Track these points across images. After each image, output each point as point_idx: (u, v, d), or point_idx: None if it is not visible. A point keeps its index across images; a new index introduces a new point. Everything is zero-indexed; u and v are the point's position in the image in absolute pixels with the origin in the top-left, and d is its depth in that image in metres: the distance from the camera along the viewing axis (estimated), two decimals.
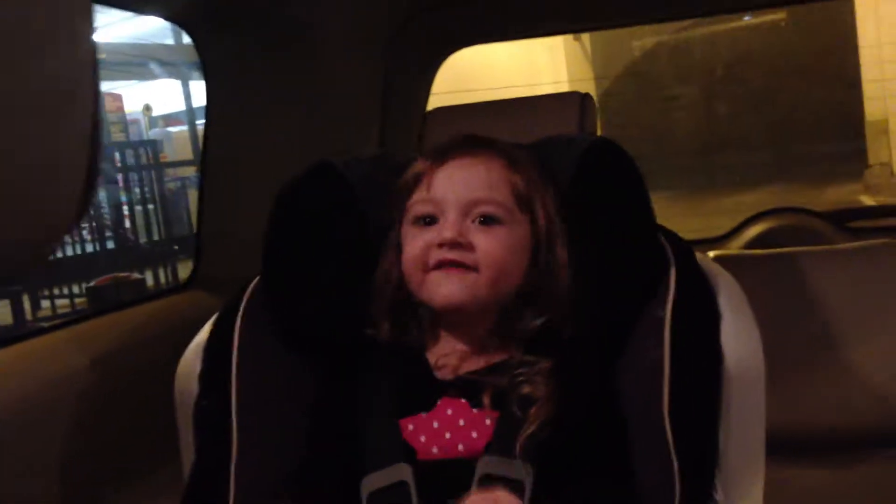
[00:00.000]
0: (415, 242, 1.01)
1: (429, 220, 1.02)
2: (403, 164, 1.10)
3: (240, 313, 1.08)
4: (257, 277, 1.11)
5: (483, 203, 1.01)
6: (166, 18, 1.59)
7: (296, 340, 1.08)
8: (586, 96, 1.35)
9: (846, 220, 2.12)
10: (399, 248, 1.05)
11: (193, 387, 1.07)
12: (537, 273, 1.03)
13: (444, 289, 0.98)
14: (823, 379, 1.47)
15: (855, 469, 1.47)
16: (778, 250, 1.59)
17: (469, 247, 0.99)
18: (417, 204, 1.04)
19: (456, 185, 1.02)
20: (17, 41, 0.35)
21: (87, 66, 0.41)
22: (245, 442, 1.02)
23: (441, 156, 1.05)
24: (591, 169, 1.06)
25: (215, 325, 1.10)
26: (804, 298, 1.48)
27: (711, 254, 1.55)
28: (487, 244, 0.99)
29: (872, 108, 8.67)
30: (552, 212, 1.05)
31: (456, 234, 0.98)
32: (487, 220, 1.00)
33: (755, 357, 0.99)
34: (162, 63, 9.76)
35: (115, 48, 9.75)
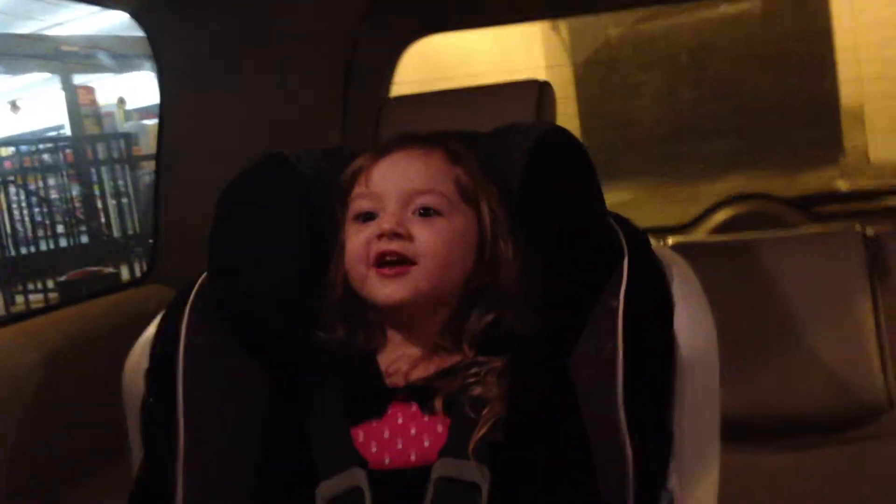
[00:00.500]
0: (356, 238, 1.00)
1: (369, 216, 1.00)
2: (357, 155, 1.09)
3: (187, 308, 1.05)
4: (204, 274, 1.08)
5: (422, 194, 0.99)
6: (116, 8, 1.56)
7: (244, 338, 1.05)
8: (544, 84, 1.34)
9: (812, 205, 2.12)
10: (343, 248, 1.03)
11: (141, 383, 1.05)
12: (483, 267, 1.02)
13: (386, 288, 0.97)
14: (781, 364, 1.47)
15: (812, 453, 1.47)
16: (736, 236, 1.59)
17: (409, 237, 0.97)
18: (357, 200, 1.02)
19: (395, 177, 1.01)
20: None
21: None
22: (192, 440, 0.99)
23: (381, 150, 1.04)
24: (542, 158, 1.04)
25: (162, 320, 1.07)
26: (763, 284, 1.48)
27: (671, 240, 1.55)
28: (427, 236, 0.98)
29: (847, 93, 8.72)
30: (496, 205, 1.04)
31: (394, 224, 0.97)
32: (428, 212, 0.99)
33: (709, 344, 0.99)
34: (136, 56, 9.67)
35: (88, 41, 9.66)
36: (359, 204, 1.02)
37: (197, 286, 1.07)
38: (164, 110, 1.65)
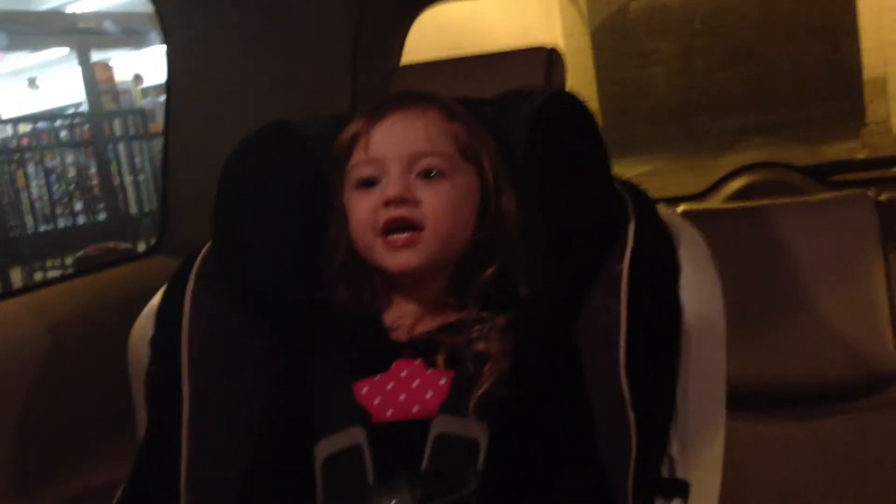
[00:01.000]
0: (360, 206, 1.00)
1: (371, 182, 1.00)
2: None
3: (192, 277, 1.06)
4: (209, 242, 1.08)
5: (425, 156, 0.99)
6: None
7: (248, 302, 1.06)
8: (552, 51, 1.33)
9: (828, 173, 2.09)
10: (344, 215, 1.02)
11: (146, 352, 1.05)
12: (487, 222, 1.02)
13: (396, 258, 0.97)
14: (791, 332, 1.45)
15: (822, 422, 1.46)
16: (747, 203, 1.58)
17: (415, 202, 0.97)
18: (357, 167, 1.02)
19: (395, 140, 1.00)
20: None
21: None
22: (196, 407, 1.00)
23: (376, 114, 1.03)
24: (546, 121, 1.03)
25: (167, 289, 1.08)
26: (773, 251, 1.47)
27: (680, 208, 1.53)
28: (434, 199, 0.97)
29: (871, 62, 8.58)
30: (497, 161, 1.03)
31: (401, 190, 0.97)
32: (431, 174, 0.98)
33: (715, 311, 0.98)
34: (153, 32, 9.67)
35: (106, 17, 9.67)
36: (360, 171, 1.01)
37: (202, 254, 1.08)
38: (172, 84, 1.64)
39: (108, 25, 9.83)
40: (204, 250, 1.08)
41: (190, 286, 1.05)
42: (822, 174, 2.06)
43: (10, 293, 1.35)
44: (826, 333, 1.43)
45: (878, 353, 1.42)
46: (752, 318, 1.40)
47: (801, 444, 1.44)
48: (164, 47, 1.57)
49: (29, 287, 1.45)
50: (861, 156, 7.57)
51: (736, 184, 2.02)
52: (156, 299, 1.09)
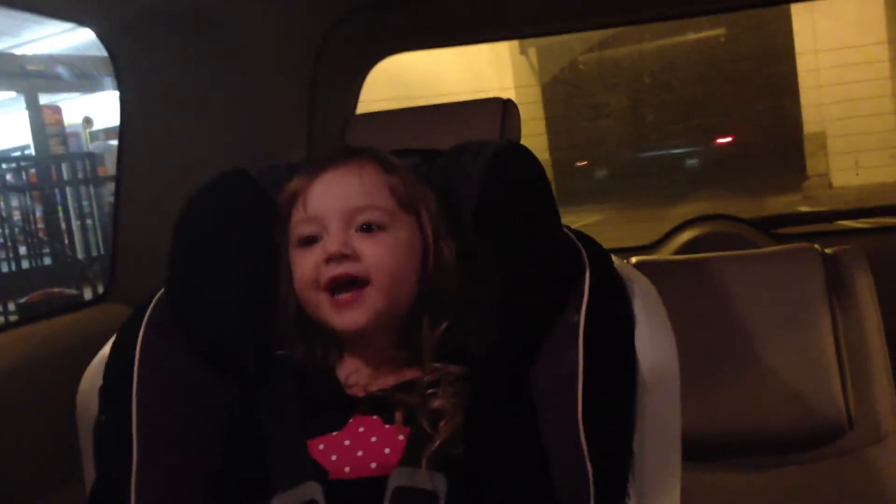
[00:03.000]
0: (303, 263, 1.00)
1: (312, 240, 1.00)
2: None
3: (143, 325, 1.03)
4: (162, 290, 1.07)
5: (363, 210, 0.99)
6: (77, 23, 1.54)
7: (201, 354, 1.04)
8: (508, 102, 1.35)
9: (774, 226, 2.14)
10: (290, 273, 1.02)
11: (95, 402, 1.03)
12: (429, 274, 1.02)
13: (344, 317, 0.97)
14: (742, 383, 1.47)
15: (772, 473, 1.47)
16: (697, 255, 1.60)
17: (356, 257, 0.97)
18: (298, 225, 1.02)
19: (333, 197, 1.00)
20: None
21: None
22: (146, 458, 0.97)
23: (313, 171, 1.03)
24: (498, 172, 1.04)
25: (118, 337, 1.06)
26: (724, 302, 1.49)
27: (633, 259, 1.55)
28: (374, 251, 0.98)
29: (810, 118, 8.86)
30: (436, 212, 1.04)
31: (341, 245, 0.97)
32: (371, 228, 0.99)
33: (670, 362, 0.99)
34: (103, 76, 9.60)
35: (55, 60, 9.57)
36: (300, 229, 1.01)
37: (154, 302, 1.06)
38: (125, 128, 1.63)
39: (58, 69, 9.73)
40: (156, 298, 1.06)
41: (141, 335, 1.03)
42: (768, 227, 2.11)
43: None
44: (776, 384, 1.45)
45: (828, 404, 1.44)
46: (703, 369, 1.42)
47: (753, 494, 1.45)
48: (114, 92, 1.56)
49: None
50: (803, 207, 7.77)
51: (685, 236, 2.05)
52: (105, 349, 1.07)
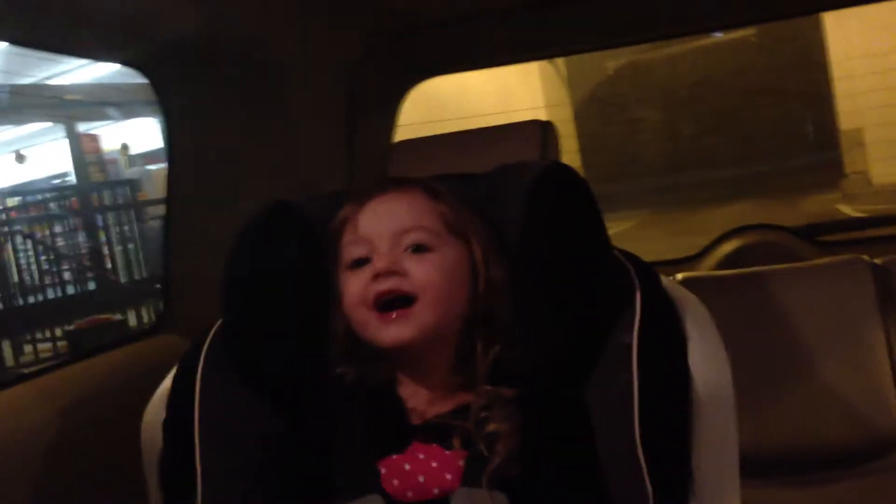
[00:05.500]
0: (353, 284, 1.01)
1: (363, 262, 1.01)
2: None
3: (202, 358, 1.06)
4: (219, 321, 1.09)
5: (412, 231, 1.01)
6: (124, 64, 1.58)
7: (259, 385, 1.06)
8: (547, 124, 1.36)
9: (817, 234, 2.12)
10: (339, 297, 1.04)
11: (159, 436, 1.06)
12: (479, 298, 1.03)
13: (390, 331, 0.98)
14: (795, 399, 1.46)
15: (830, 487, 1.46)
16: (744, 270, 1.59)
17: (404, 274, 0.98)
18: (348, 247, 1.04)
19: (382, 219, 1.02)
20: None
21: None
22: (210, 490, 1.00)
23: (363, 198, 1.05)
24: (543, 194, 1.05)
25: (177, 372, 1.08)
26: (772, 318, 1.48)
27: (679, 276, 1.55)
28: (422, 270, 0.99)
29: (848, 119, 8.74)
30: (485, 236, 1.05)
31: (389, 263, 0.98)
32: (419, 249, 1.00)
33: (724, 379, 0.98)
34: (139, 102, 9.76)
35: (91, 89, 9.75)
36: (350, 251, 1.03)
37: (210, 336, 1.08)
38: (172, 159, 1.67)
39: (94, 97, 9.91)
40: (212, 332, 1.09)
41: (200, 368, 1.06)
42: (812, 235, 2.09)
43: (16, 379, 1.34)
44: (829, 399, 1.44)
45: (882, 417, 1.42)
46: (753, 386, 1.41)
47: None
48: (148, 118, 1.60)
49: (35, 372, 1.45)
50: (842, 206, 7.66)
51: (727, 247, 2.04)
52: (167, 382, 1.10)
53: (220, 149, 1.67)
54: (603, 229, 1.03)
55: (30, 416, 1.22)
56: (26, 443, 1.19)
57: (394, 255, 0.99)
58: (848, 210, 7.61)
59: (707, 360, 0.98)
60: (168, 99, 1.63)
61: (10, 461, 1.16)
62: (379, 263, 0.99)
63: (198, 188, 1.67)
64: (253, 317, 1.08)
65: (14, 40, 1.54)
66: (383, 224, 1.02)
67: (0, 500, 1.13)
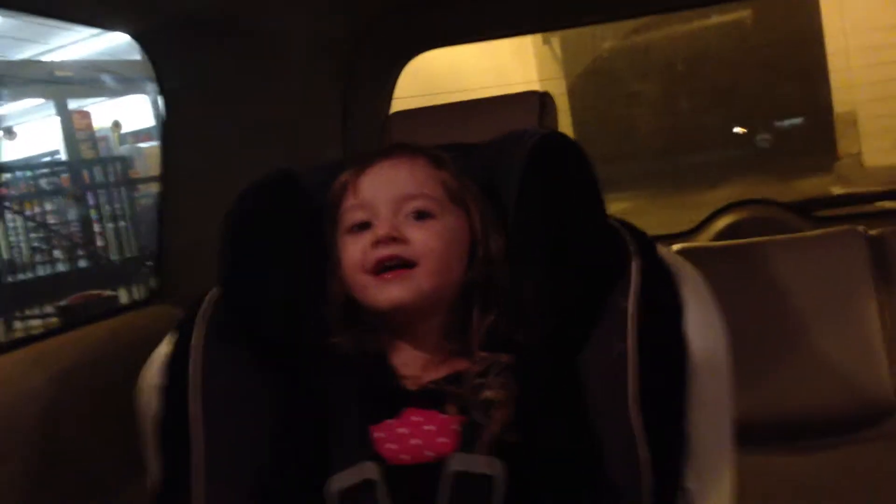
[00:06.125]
0: (352, 249, 1.01)
1: (363, 226, 1.01)
2: None
3: (197, 325, 1.06)
4: (213, 288, 1.09)
5: (413, 198, 1.01)
6: (121, 31, 1.57)
7: (255, 349, 1.07)
8: (545, 94, 1.35)
9: (813, 209, 2.13)
10: (339, 262, 1.04)
11: (155, 401, 1.06)
12: (477, 265, 1.03)
13: (387, 292, 0.98)
14: (790, 367, 1.47)
15: (823, 454, 1.48)
16: (741, 241, 1.60)
17: (405, 241, 0.99)
18: (348, 212, 1.04)
19: (383, 185, 1.02)
20: None
21: None
22: (207, 453, 1.00)
23: (364, 162, 1.05)
24: (540, 162, 1.05)
25: (173, 338, 1.08)
26: (768, 288, 1.49)
27: (675, 247, 1.55)
28: (423, 237, 0.99)
29: (840, 98, 8.75)
30: (484, 206, 1.06)
31: (390, 229, 0.99)
32: (420, 215, 1.01)
33: (720, 346, 0.99)
34: (130, 79, 9.70)
35: (82, 66, 9.68)
36: (351, 216, 1.03)
37: (206, 302, 1.08)
38: (167, 131, 1.66)
39: (85, 74, 9.84)
40: (209, 297, 1.09)
41: (196, 333, 1.06)
42: (807, 210, 2.10)
43: (10, 345, 1.34)
44: (823, 368, 1.45)
45: (876, 384, 1.44)
46: (749, 354, 1.42)
47: (804, 477, 1.45)
48: (140, 95, 1.59)
49: (29, 338, 1.44)
50: (836, 189, 7.68)
51: (723, 221, 2.04)
52: (162, 347, 1.10)
53: (216, 121, 1.66)
54: (599, 197, 1.03)
55: (25, 382, 1.22)
56: (21, 409, 1.19)
57: (395, 221, 1.00)
58: (839, 192, 7.64)
59: (703, 327, 0.99)
60: (164, 70, 1.62)
61: (4, 427, 1.15)
62: (380, 229, 0.99)
63: (193, 160, 1.67)
64: (250, 279, 1.08)
65: (13, 5, 1.53)
66: (385, 189, 1.02)
67: None
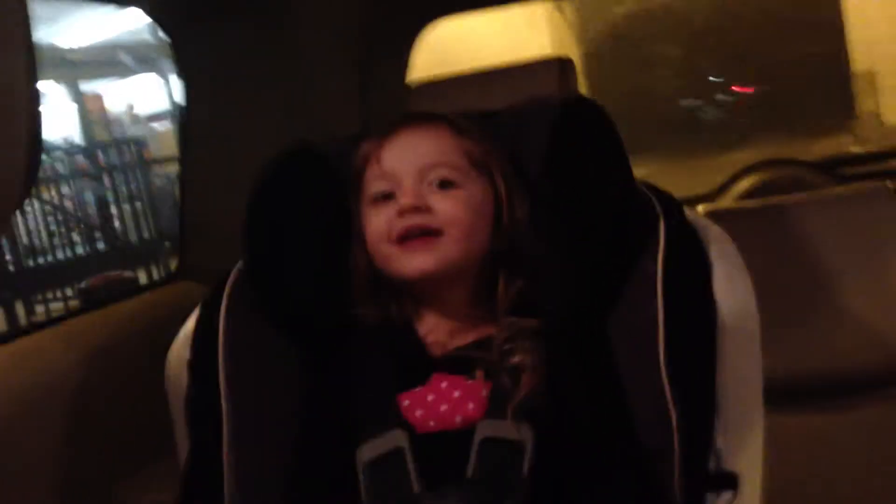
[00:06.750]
0: (376, 219, 1.01)
1: (386, 196, 1.01)
2: None
3: (224, 300, 1.07)
4: (239, 263, 1.09)
5: (437, 167, 1.00)
6: (140, 7, 1.56)
7: (281, 322, 1.07)
8: (566, 60, 1.34)
9: (836, 167, 2.11)
10: (363, 233, 1.04)
11: (184, 377, 1.06)
12: (502, 232, 1.03)
13: (413, 261, 0.98)
14: (819, 325, 1.46)
15: (853, 413, 1.47)
16: (767, 200, 1.58)
17: (429, 210, 0.98)
18: (371, 182, 1.03)
19: (407, 154, 1.02)
20: None
21: (22, 65, 0.40)
22: (236, 427, 1.01)
23: (387, 133, 1.05)
24: (565, 127, 1.05)
25: (200, 313, 1.09)
26: (796, 247, 1.48)
27: (700, 208, 1.54)
28: (448, 206, 0.99)
29: (859, 56, 8.63)
30: (508, 173, 1.05)
31: (414, 199, 0.98)
32: (444, 184, 1.00)
33: (749, 306, 0.99)
34: (142, 61, 9.71)
35: (94, 48, 9.69)
36: (374, 186, 1.02)
37: (232, 277, 1.08)
38: (185, 110, 1.66)
39: (98, 57, 9.85)
40: (234, 272, 1.09)
41: (223, 309, 1.06)
42: (831, 168, 2.08)
43: (38, 325, 1.35)
44: (852, 324, 1.44)
45: None
46: (778, 314, 1.41)
47: (832, 435, 1.45)
48: (153, 77, 1.59)
49: (57, 318, 1.46)
50: (854, 149, 7.59)
51: (746, 182, 2.03)
52: (190, 323, 1.10)
53: (234, 98, 1.66)
54: (625, 160, 1.02)
55: (55, 360, 1.23)
56: (53, 386, 1.20)
57: (419, 191, 0.99)
58: (859, 151, 7.55)
59: (731, 288, 0.98)
60: (182, 47, 1.62)
61: (36, 405, 1.17)
62: (404, 199, 0.98)
63: (211, 136, 1.67)
64: (274, 253, 1.08)
65: None
66: (408, 159, 1.01)
67: (27, 442, 1.14)
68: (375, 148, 1.04)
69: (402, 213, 0.98)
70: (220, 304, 1.07)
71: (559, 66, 1.31)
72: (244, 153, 1.60)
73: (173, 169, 9.02)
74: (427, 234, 0.98)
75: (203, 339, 1.06)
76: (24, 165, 0.40)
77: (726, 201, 2.00)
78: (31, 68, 0.42)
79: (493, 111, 1.15)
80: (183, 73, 1.64)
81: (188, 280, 1.61)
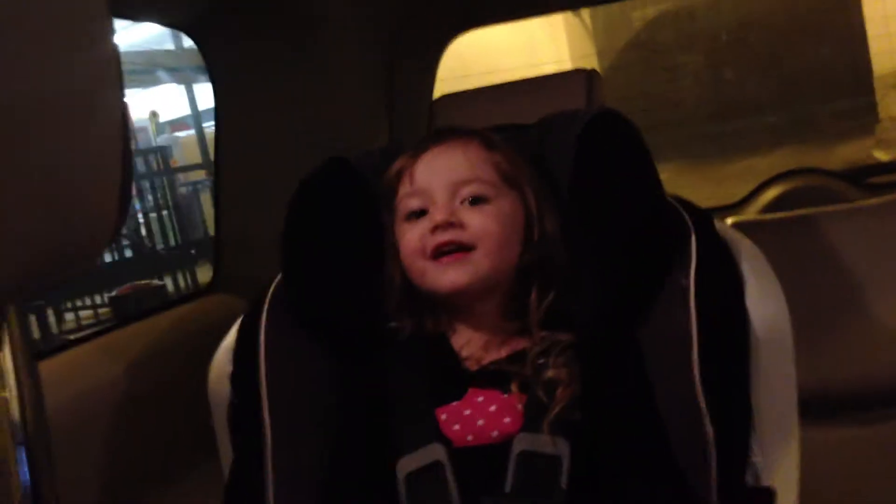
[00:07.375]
0: (410, 235, 1.03)
1: (419, 213, 1.03)
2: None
3: (264, 313, 1.08)
4: (279, 276, 1.12)
5: (468, 183, 1.02)
6: (170, 26, 1.60)
7: (320, 335, 1.09)
8: (592, 73, 1.35)
9: (863, 177, 2.09)
10: (396, 248, 1.06)
11: (226, 388, 1.08)
12: (533, 246, 1.04)
13: (447, 276, 0.99)
14: (850, 338, 1.46)
15: (886, 425, 1.46)
16: (796, 212, 1.58)
17: (461, 226, 1.00)
18: (404, 199, 1.05)
19: (438, 171, 1.03)
20: (35, 50, 0.35)
21: (111, 69, 0.41)
22: (278, 437, 1.03)
23: (418, 149, 1.07)
24: (594, 140, 1.06)
25: (241, 326, 1.11)
26: (825, 259, 1.48)
27: (729, 220, 1.54)
28: (480, 221, 1.00)
29: (881, 62, 8.57)
30: (538, 187, 1.07)
31: (447, 215, 1.00)
32: (476, 200, 1.02)
33: (782, 320, 0.99)
34: (165, 69, 9.77)
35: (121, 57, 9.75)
36: (407, 203, 1.04)
37: (271, 291, 1.10)
38: (220, 120, 1.69)
39: (123, 65, 9.90)
40: (273, 286, 1.11)
41: (263, 322, 1.08)
42: (857, 178, 2.07)
43: (83, 339, 1.39)
44: (884, 338, 1.44)
45: None
46: (809, 327, 1.42)
47: (865, 449, 1.45)
48: (176, 85, 1.62)
49: (100, 331, 1.50)
50: (877, 152, 7.52)
51: (772, 192, 2.02)
52: (231, 336, 1.12)
53: (265, 109, 1.69)
54: (654, 173, 1.03)
55: (98, 372, 1.26)
56: (97, 397, 1.22)
57: (451, 207, 1.01)
58: (882, 156, 7.48)
59: (764, 301, 0.99)
60: (214, 60, 1.65)
61: (81, 417, 1.19)
62: (437, 215, 1.00)
63: (244, 148, 1.69)
64: (312, 270, 1.10)
65: None
66: (440, 175, 1.03)
67: (73, 455, 1.16)
68: (407, 165, 1.06)
69: (435, 229, 1.00)
70: (260, 317, 1.09)
71: (586, 78, 1.32)
72: (277, 165, 1.63)
73: (199, 176, 9.10)
74: (460, 249, 1.00)
75: (244, 352, 1.08)
76: (121, 170, 0.41)
77: (752, 211, 1.99)
78: (118, 71, 0.43)
79: (522, 125, 1.17)
80: (214, 84, 1.66)
81: (223, 292, 1.64)
